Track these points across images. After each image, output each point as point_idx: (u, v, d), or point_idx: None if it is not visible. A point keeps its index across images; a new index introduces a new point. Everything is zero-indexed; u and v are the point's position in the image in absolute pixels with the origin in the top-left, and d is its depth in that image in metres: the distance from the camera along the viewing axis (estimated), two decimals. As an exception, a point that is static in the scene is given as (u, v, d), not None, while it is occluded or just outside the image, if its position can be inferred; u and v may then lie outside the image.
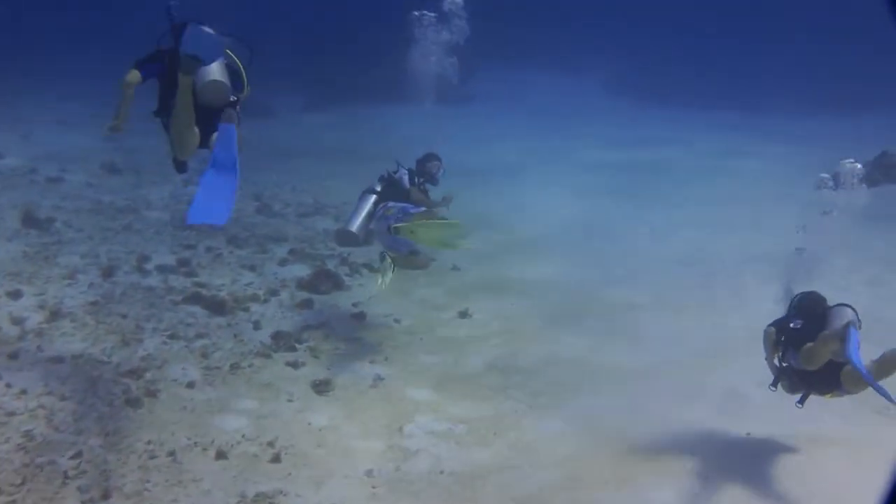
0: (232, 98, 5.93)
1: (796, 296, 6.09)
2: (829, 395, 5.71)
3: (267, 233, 11.12)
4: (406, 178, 8.54)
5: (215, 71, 5.71)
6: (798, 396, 5.80)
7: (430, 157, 9.01)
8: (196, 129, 5.85)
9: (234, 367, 7.07)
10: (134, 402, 6.22)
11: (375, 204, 8.24)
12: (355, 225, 8.19)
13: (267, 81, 22.63)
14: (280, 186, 14.13)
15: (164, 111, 5.91)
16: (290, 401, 6.64)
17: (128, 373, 6.64)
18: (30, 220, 10.04)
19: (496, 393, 6.99)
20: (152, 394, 6.41)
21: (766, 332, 5.99)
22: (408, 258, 7.96)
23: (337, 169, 15.49)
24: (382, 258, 7.98)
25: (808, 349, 5.45)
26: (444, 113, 22.54)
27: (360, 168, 15.66)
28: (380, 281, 7.81)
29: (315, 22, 27.50)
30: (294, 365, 7.23)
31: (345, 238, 9.59)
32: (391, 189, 8.36)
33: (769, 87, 25.79)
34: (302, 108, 23.55)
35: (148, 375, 6.69)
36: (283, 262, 9.97)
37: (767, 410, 6.33)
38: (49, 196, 11.66)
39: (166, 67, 5.82)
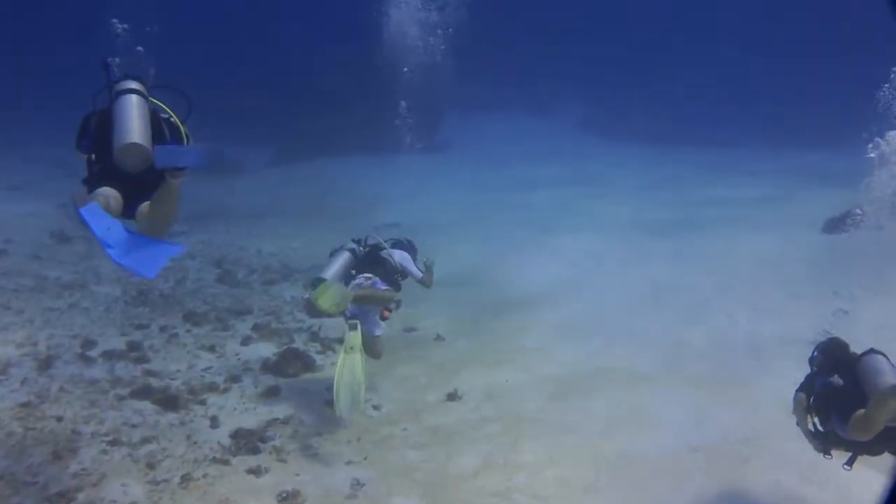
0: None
1: (816, 347, 5.36)
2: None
3: (229, 305, 10.09)
4: (395, 257, 7.88)
5: (135, 131, 4.86)
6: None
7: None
8: (114, 197, 4.94)
9: (186, 478, 5.98)
10: (61, 537, 5.15)
11: (351, 263, 7.66)
12: (329, 273, 7.40)
13: (230, 135, 22.11)
14: (244, 249, 13.15)
15: (93, 181, 5.03)
16: (252, 521, 5.59)
17: (56, 496, 5.55)
18: (-39, 304, 8.98)
19: (498, 499, 5.96)
20: (85, 522, 5.34)
21: (795, 399, 5.29)
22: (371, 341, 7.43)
23: (304, 229, 14.62)
24: (353, 328, 7.08)
25: (862, 419, 4.60)
26: (414, 162, 21.82)
27: (328, 227, 14.88)
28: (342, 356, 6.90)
29: (280, 73, 26.77)
30: (256, 472, 6.16)
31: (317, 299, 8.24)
32: (371, 260, 7.72)
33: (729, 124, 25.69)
34: (268, 161, 22.70)
35: (80, 497, 5.59)
36: (246, 341, 8.93)
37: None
38: (-13, 273, 10.60)
39: (93, 134, 5.07)
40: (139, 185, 4.99)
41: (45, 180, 16.91)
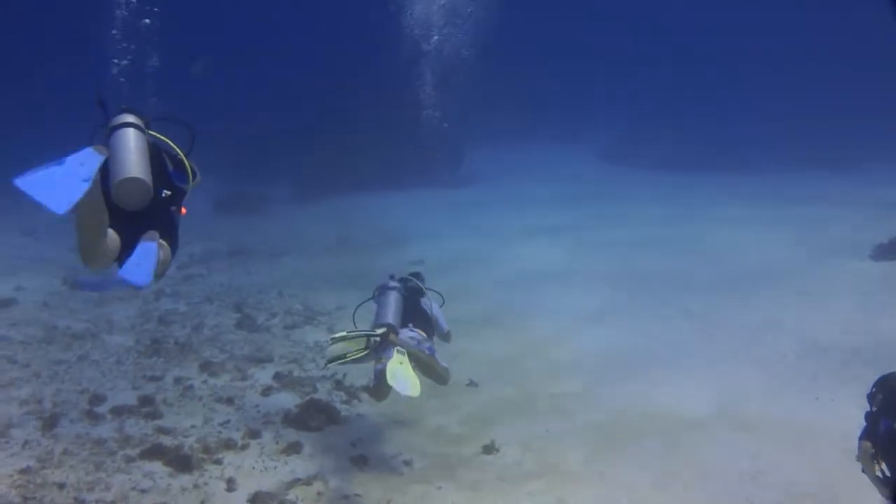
0: (166, 193, 4.99)
1: (875, 384, 4.93)
2: None
3: (248, 353, 9.52)
4: (434, 310, 7.56)
5: (133, 164, 4.63)
6: None
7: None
8: (111, 237, 4.66)
9: (200, 553, 5.39)
10: None
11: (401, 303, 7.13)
12: (388, 317, 6.88)
13: (251, 172, 21.69)
14: (265, 291, 12.58)
15: None
16: None
17: (54, 579, 4.97)
18: (-37, 359, 8.48)
19: (547, 572, 5.30)
20: None
21: (860, 447, 4.81)
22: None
23: (327, 268, 14.04)
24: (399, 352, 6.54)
25: None
26: (438, 196, 21.30)
27: (351, 266, 14.36)
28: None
29: (303, 110, 26.41)
30: (278, 543, 5.55)
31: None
32: (411, 306, 7.30)
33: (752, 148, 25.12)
34: (288, 197, 22.22)
35: (81, 579, 5.01)
36: (266, 392, 8.34)
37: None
38: (-5, 323, 10.12)
39: None
40: (139, 222, 4.72)
41: (60, 222, 16.48)
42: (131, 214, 4.71)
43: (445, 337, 7.65)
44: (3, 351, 8.99)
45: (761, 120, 27.25)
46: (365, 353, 6.60)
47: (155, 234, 4.68)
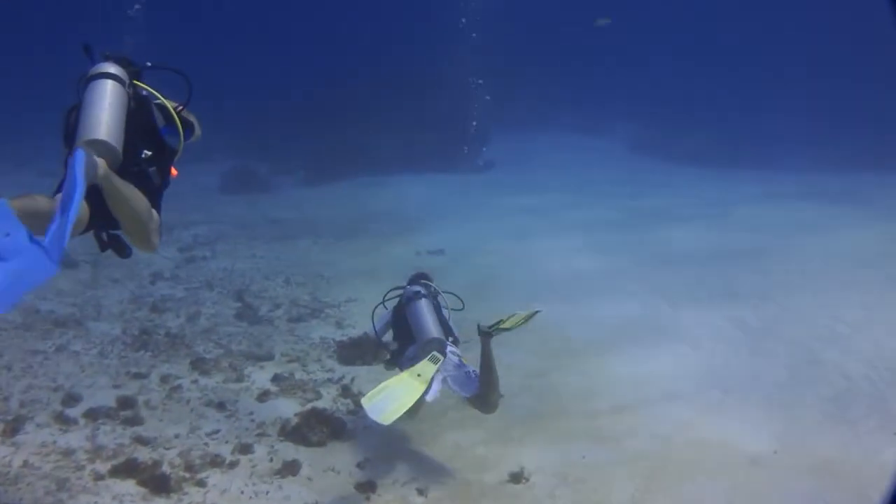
0: (146, 154, 4.43)
1: None
2: None
3: (246, 348, 8.55)
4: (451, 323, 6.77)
5: (101, 125, 4.07)
6: None
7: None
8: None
9: None
10: None
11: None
12: (433, 330, 6.29)
13: (259, 151, 20.78)
14: (271, 278, 11.62)
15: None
16: None
17: None
18: (-73, 347, 7.56)
19: None
20: None
21: None
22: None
23: (338, 255, 13.07)
24: (434, 360, 5.88)
25: None
26: (458, 182, 20.26)
27: (365, 253, 13.35)
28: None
29: (315, 86, 25.50)
30: None
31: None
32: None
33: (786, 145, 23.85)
34: (300, 180, 21.26)
35: None
36: (263, 396, 7.35)
37: None
38: (-28, 305, 9.17)
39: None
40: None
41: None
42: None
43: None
44: (-25, 338, 8.07)
45: (795, 115, 26.01)
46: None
47: None
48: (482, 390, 5.94)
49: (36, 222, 3.48)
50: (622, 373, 8.06)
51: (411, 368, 5.78)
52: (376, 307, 6.89)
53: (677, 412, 7.21)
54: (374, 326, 6.85)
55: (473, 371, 6.08)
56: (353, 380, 7.78)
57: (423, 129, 22.28)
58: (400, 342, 6.68)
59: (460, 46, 23.29)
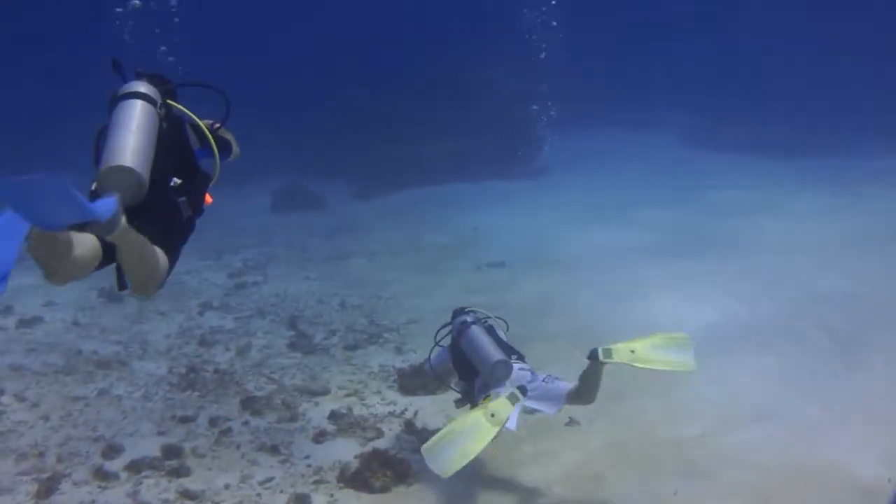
0: (176, 182, 4.04)
1: None
2: None
3: (300, 383, 7.92)
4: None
5: (124, 150, 3.66)
6: None
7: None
8: (84, 244, 3.44)
9: None
10: None
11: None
12: (496, 353, 5.66)
13: (311, 165, 20.29)
14: (325, 301, 11.03)
15: None
16: None
17: None
18: (-37, 397, 7.09)
19: None
20: None
21: None
22: None
23: (395, 272, 12.43)
24: (513, 399, 5.20)
25: None
26: (513, 190, 19.51)
27: (422, 269, 12.66)
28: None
29: (362, 93, 24.99)
30: None
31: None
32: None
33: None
34: (353, 194, 20.71)
35: None
36: (319, 437, 6.70)
37: None
38: (14, 347, 8.74)
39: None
40: (130, 220, 3.55)
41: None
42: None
43: None
44: (14, 385, 7.57)
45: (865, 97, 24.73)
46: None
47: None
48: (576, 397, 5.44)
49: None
50: (706, 392, 7.22)
51: (484, 406, 5.09)
52: (432, 349, 6.40)
53: (774, 435, 6.38)
54: (430, 364, 6.47)
55: (548, 377, 5.60)
56: (416, 413, 7.10)
57: (476, 135, 21.59)
58: (466, 380, 6.10)
59: (517, 51, 22.81)
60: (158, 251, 3.77)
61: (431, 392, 7.53)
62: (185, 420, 6.94)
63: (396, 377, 7.93)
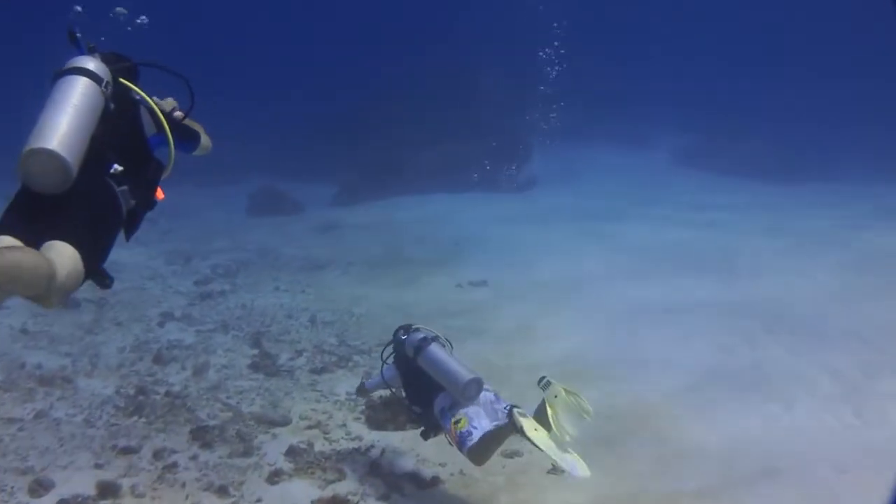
0: (116, 169, 3.59)
1: None
2: None
3: (259, 410, 7.27)
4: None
5: (49, 131, 3.31)
6: None
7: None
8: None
9: None
10: None
11: None
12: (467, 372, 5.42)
13: (290, 170, 19.69)
14: (294, 316, 10.41)
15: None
16: None
17: None
18: None
19: None
20: None
21: None
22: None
23: (371, 287, 11.82)
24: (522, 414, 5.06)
25: None
26: (499, 202, 18.93)
27: (400, 285, 12.05)
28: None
29: (349, 96, 24.44)
30: None
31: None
32: None
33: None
34: (333, 201, 20.10)
35: None
36: (274, 477, 6.04)
37: None
38: (-48, 358, 8.06)
39: None
40: (54, 215, 3.32)
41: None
42: (45, 202, 3.32)
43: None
44: (-57, 402, 6.89)
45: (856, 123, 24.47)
46: None
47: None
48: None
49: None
50: (706, 440, 6.64)
51: (529, 430, 4.86)
52: (382, 369, 6.17)
53: (782, 497, 5.79)
54: (366, 384, 6.48)
55: (509, 406, 5.26)
56: (383, 452, 6.47)
57: (464, 143, 21.03)
58: (421, 398, 5.72)
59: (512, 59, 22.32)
60: (60, 255, 3.17)
61: (401, 427, 6.92)
62: (126, 451, 6.27)
63: (364, 408, 7.29)
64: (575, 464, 4.83)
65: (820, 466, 6.11)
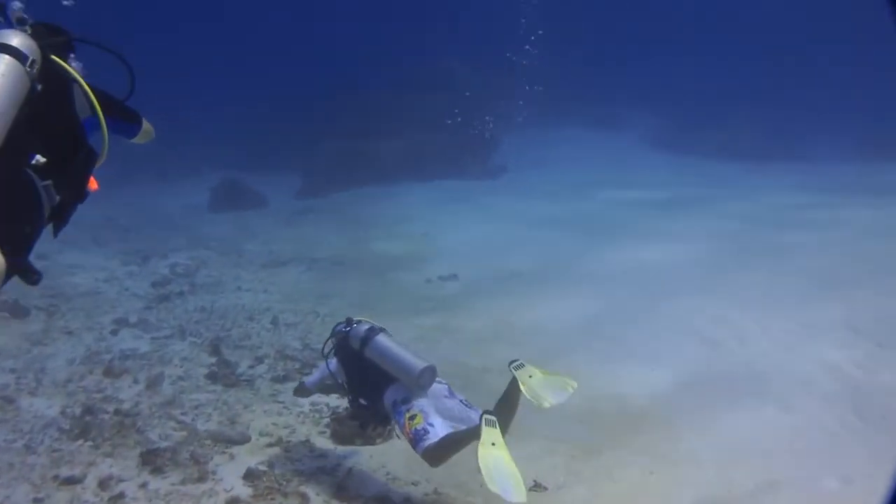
0: (39, 160, 3.18)
1: None
2: None
3: (216, 427, 6.78)
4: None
5: None
6: None
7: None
8: None
9: None
10: None
11: None
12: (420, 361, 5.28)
13: (253, 161, 19.14)
14: (256, 318, 9.94)
15: None
16: None
17: None
18: None
19: None
20: None
21: None
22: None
23: (336, 283, 11.39)
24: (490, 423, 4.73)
25: None
26: (469, 191, 18.48)
27: (366, 281, 11.60)
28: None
29: (314, 87, 23.89)
30: None
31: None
32: None
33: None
34: (298, 192, 19.55)
35: None
36: (230, 504, 5.58)
37: None
38: None
39: None
40: None
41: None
42: None
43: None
44: None
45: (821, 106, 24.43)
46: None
47: None
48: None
49: None
50: (698, 448, 6.23)
51: (481, 444, 4.57)
52: (326, 363, 5.95)
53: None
54: (306, 382, 6.33)
55: (465, 400, 5.28)
56: (350, 471, 6.01)
57: (431, 131, 20.52)
58: (368, 391, 5.54)
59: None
60: None
61: (370, 441, 6.47)
62: (69, 482, 5.75)
63: (329, 421, 6.84)
64: (510, 488, 4.42)
65: (824, 477, 5.72)
